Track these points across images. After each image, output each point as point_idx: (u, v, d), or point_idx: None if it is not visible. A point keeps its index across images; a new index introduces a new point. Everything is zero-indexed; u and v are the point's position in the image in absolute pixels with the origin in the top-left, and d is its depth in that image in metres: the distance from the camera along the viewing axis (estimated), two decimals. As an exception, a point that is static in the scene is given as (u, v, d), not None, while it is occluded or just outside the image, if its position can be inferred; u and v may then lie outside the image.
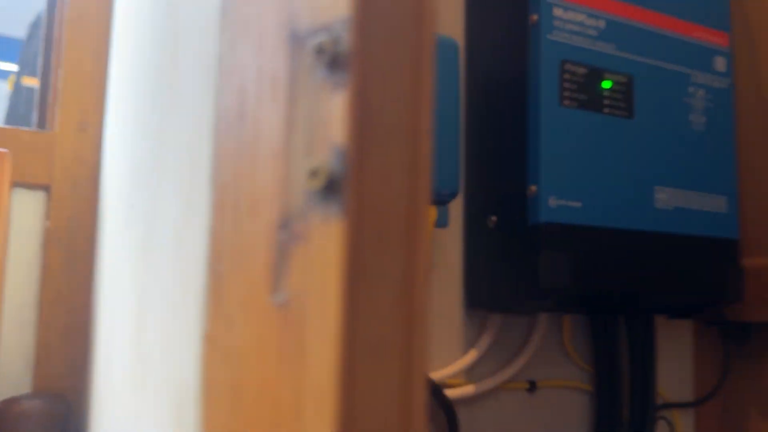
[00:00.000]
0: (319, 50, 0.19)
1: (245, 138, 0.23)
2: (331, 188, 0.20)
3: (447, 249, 0.79)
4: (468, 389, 0.76)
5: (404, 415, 0.21)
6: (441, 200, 0.71)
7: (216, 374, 0.25)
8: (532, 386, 0.81)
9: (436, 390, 0.73)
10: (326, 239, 0.21)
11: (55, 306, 0.76)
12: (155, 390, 0.36)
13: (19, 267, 0.76)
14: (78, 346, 0.76)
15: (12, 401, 0.66)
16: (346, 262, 0.20)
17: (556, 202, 0.70)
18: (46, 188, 0.78)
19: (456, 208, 0.80)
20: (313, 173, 0.20)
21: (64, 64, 0.80)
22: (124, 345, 0.49)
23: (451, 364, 0.77)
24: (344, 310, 0.20)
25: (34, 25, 1.34)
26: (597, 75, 0.74)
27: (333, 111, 0.19)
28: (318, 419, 0.20)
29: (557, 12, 0.73)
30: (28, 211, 0.77)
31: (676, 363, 0.91)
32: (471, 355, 0.77)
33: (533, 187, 0.70)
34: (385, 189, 0.20)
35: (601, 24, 0.75)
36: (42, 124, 0.84)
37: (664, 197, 0.76)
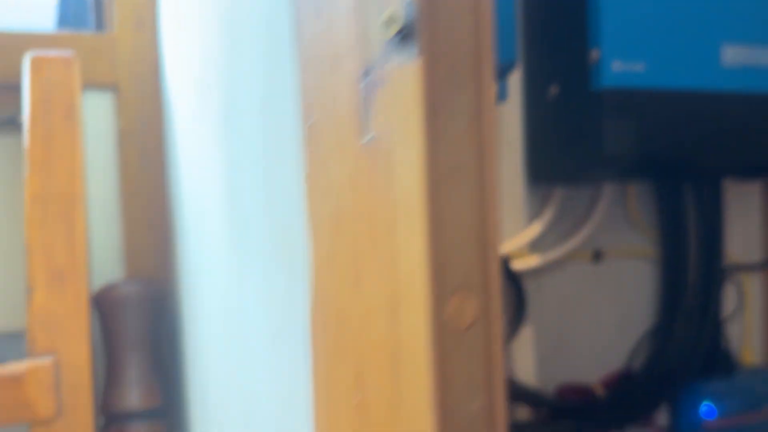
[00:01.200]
0: None
1: None
2: (405, 35, 0.22)
3: (506, 124, 0.79)
4: (533, 261, 0.78)
5: (480, 225, 0.23)
6: (497, 72, 0.70)
7: (317, 208, 0.28)
8: (598, 255, 0.82)
9: (502, 262, 0.75)
10: (405, 81, 0.23)
11: (135, 199, 0.80)
12: (257, 235, 0.39)
13: (98, 166, 0.80)
14: (160, 234, 0.80)
15: (110, 287, 0.72)
16: (423, 99, 0.22)
17: (619, 65, 0.69)
18: (113, 88, 0.81)
19: (514, 81, 0.79)
20: (388, 23, 0.22)
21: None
22: (215, 211, 0.52)
23: (515, 238, 0.78)
24: (425, 140, 0.22)
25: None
26: (660, -73, 0.70)
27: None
28: (409, 231, 0.22)
29: None
30: (98, 113, 0.81)
31: (745, 226, 0.90)
32: (535, 228, 0.79)
33: (595, 52, 0.68)
34: (453, 31, 0.21)
35: None
36: (100, 25, 0.86)
37: (732, 55, 0.73)
